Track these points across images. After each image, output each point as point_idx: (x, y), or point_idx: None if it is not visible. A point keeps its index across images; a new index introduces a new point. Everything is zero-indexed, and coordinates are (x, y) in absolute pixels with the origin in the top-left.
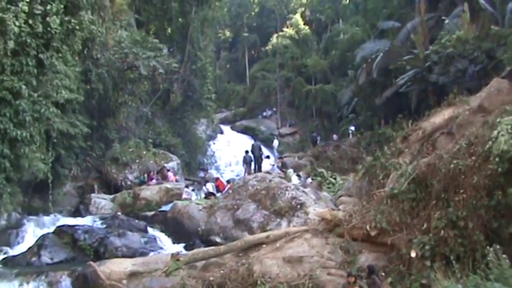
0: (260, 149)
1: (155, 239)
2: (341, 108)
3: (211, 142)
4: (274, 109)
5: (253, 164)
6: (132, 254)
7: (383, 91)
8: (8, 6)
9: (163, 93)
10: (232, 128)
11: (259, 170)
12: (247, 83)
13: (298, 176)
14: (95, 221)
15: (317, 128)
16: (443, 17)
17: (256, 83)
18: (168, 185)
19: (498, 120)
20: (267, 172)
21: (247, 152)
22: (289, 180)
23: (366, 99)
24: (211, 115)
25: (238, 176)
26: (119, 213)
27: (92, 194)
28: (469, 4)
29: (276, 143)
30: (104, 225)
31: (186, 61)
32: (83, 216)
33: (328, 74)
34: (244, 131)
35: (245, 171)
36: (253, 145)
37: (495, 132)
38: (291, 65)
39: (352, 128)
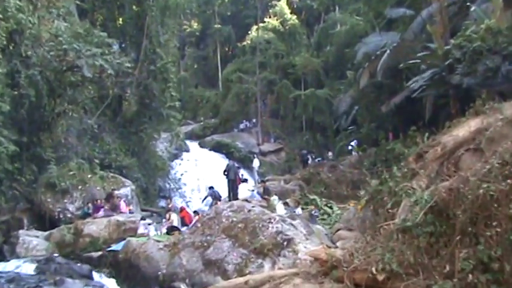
0: (236, 171)
1: (102, 287)
2: (338, 118)
3: (174, 163)
4: (254, 120)
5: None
6: None
7: (391, 97)
8: None
9: (113, 101)
10: (201, 145)
11: (235, 197)
12: (220, 88)
13: (285, 204)
14: (23, 266)
15: (308, 143)
16: (468, 3)
17: (230, 87)
18: (120, 218)
19: None
20: (245, 200)
21: (211, 187)
22: (274, 210)
23: (369, 108)
24: (175, 128)
25: (208, 205)
26: (56, 255)
27: (20, 231)
28: None
29: (256, 163)
30: (36, 271)
31: (143, 60)
32: (7, 260)
33: (322, 75)
34: (217, 148)
35: (211, 204)
36: (228, 165)
37: None
38: (274, 65)
39: (353, 143)
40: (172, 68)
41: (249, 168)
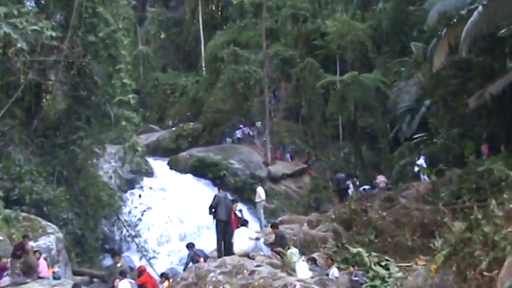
0: (230, 208)
1: None
2: (397, 120)
3: (129, 194)
4: (259, 124)
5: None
6: None
7: (485, 84)
8: None
9: (27, 94)
10: (172, 165)
11: (229, 250)
12: (203, 71)
13: (312, 261)
14: None
15: (347, 162)
16: None
17: (220, 70)
18: (38, 286)
19: None
20: (246, 255)
21: (191, 245)
22: (292, 271)
23: (448, 102)
24: (130, 138)
25: (183, 262)
26: None
27: None
28: None
29: (261, 194)
30: None
31: (76, 26)
32: None
33: (370, 50)
34: (198, 170)
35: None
36: (217, 198)
37: None
38: (292, 34)
39: (421, 161)
40: (124, 40)
41: (251, 202)
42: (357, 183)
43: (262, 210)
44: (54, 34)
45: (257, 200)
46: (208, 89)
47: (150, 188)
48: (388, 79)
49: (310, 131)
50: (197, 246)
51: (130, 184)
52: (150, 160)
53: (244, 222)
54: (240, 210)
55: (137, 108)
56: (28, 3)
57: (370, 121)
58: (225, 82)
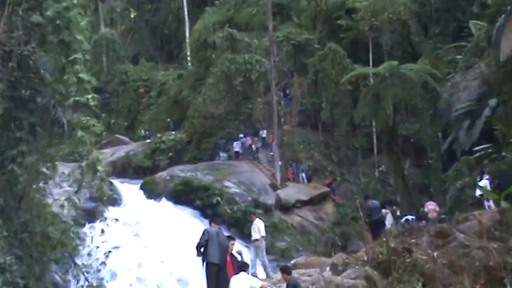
0: (226, 246)
1: None
2: (451, 127)
3: (88, 230)
4: (264, 134)
5: None
6: None
7: None
8: None
9: None
10: (146, 190)
11: None
12: (188, 62)
13: None
14: None
15: (384, 184)
16: None
17: (211, 61)
18: None
19: None
20: None
21: None
22: None
23: None
24: (89, 153)
25: None
26: None
27: None
28: None
29: (260, 227)
30: None
31: (15, 2)
32: None
33: (415, 33)
34: (182, 196)
35: None
36: (207, 234)
37: None
38: (309, 11)
39: (485, 182)
40: (81, 20)
41: (249, 239)
42: (398, 212)
43: (264, 252)
44: None
45: (256, 236)
46: (196, 86)
47: (117, 220)
48: (439, 71)
49: (334, 143)
50: None
51: (90, 216)
52: (117, 183)
53: (243, 266)
54: (240, 252)
55: (99, 113)
56: None
57: (415, 128)
58: (218, 77)
